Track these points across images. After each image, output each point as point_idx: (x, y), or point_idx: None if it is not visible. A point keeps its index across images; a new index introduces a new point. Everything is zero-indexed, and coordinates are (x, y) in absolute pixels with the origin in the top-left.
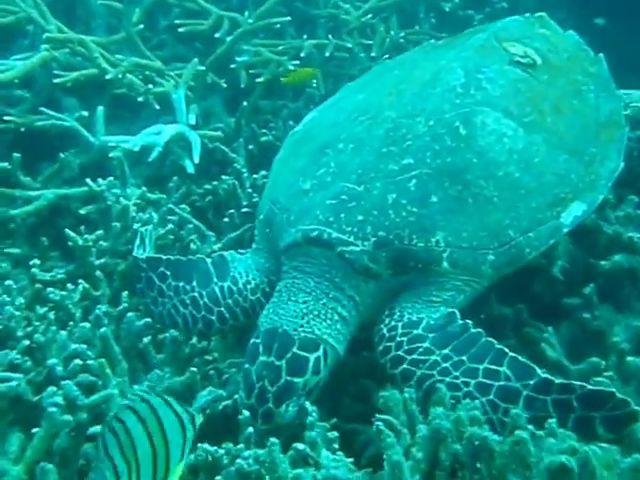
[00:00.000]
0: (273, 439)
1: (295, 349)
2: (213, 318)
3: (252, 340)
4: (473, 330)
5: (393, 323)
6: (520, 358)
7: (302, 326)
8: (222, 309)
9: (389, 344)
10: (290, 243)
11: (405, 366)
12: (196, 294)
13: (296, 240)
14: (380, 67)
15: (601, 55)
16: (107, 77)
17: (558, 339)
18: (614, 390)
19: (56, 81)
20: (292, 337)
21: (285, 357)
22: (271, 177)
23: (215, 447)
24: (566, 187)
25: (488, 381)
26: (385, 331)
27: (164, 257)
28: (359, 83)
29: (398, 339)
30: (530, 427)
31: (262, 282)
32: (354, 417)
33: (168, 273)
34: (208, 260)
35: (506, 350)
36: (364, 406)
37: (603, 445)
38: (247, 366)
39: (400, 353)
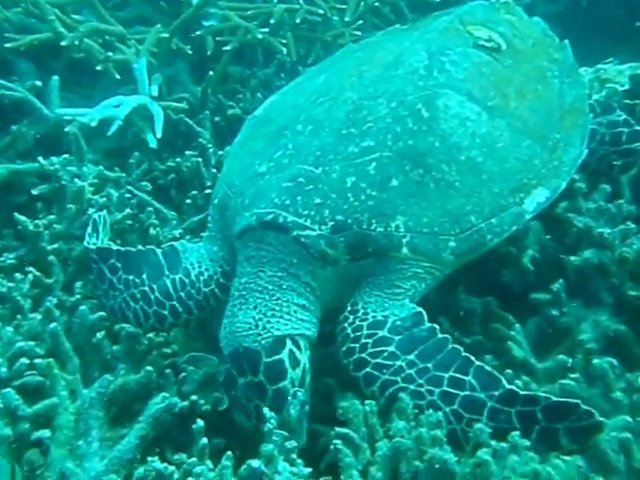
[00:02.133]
0: (226, 462)
1: (265, 359)
2: (165, 313)
3: (225, 367)
4: (440, 335)
5: (358, 322)
6: (486, 367)
7: (260, 335)
8: (174, 303)
9: (353, 345)
10: (244, 228)
11: (368, 370)
12: (146, 288)
13: (250, 224)
14: (344, 50)
15: (566, 41)
16: (63, 44)
17: (526, 334)
18: (579, 402)
19: (8, 45)
20: (256, 350)
21: (260, 371)
22: (227, 161)
23: (165, 464)
24: (529, 173)
25: (453, 390)
26: (350, 331)
27: (114, 248)
28: (322, 66)
29: (363, 341)
30: (493, 443)
31: (216, 273)
32: (317, 417)
33: (119, 265)
34: (158, 251)
35: (472, 359)
36: (327, 405)
37: (566, 458)
38: (231, 393)
39: (364, 356)
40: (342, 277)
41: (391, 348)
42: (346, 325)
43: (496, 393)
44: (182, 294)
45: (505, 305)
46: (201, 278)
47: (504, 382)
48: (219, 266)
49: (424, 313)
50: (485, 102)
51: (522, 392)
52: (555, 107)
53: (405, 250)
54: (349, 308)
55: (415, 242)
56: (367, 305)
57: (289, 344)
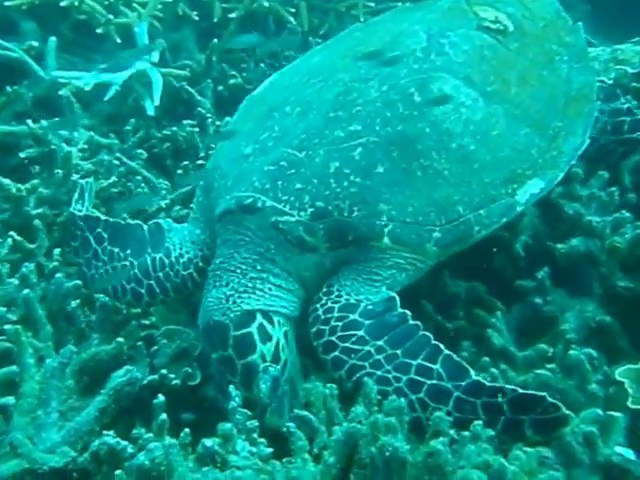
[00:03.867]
0: (172, 440)
1: (232, 332)
2: (142, 291)
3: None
4: (411, 322)
5: (330, 304)
6: (454, 357)
7: (229, 308)
8: (152, 282)
9: (323, 327)
10: (223, 211)
11: (336, 354)
12: (128, 263)
13: (229, 207)
14: (348, 30)
15: (580, 24)
16: (62, 4)
17: (509, 322)
18: (545, 394)
19: (8, 4)
20: (224, 323)
21: (229, 345)
22: (219, 143)
23: (117, 439)
24: (524, 163)
25: (420, 378)
26: (320, 312)
27: (103, 217)
28: (323, 45)
29: (333, 323)
30: (452, 432)
31: (196, 256)
32: None
33: (105, 236)
34: (145, 227)
35: (441, 347)
36: None
37: (528, 449)
38: (211, 369)
39: (333, 339)
40: (321, 266)
41: (361, 332)
42: (318, 306)
43: (462, 383)
44: (160, 274)
45: (495, 290)
46: (180, 260)
47: (471, 373)
48: (199, 249)
49: (397, 298)
50: (483, 87)
51: (488, 384)
52: (560, 94)
53: (386, 240)
54: (324, 289)
55: (397, 232)
56: (342, 288)
57: (259, 318)
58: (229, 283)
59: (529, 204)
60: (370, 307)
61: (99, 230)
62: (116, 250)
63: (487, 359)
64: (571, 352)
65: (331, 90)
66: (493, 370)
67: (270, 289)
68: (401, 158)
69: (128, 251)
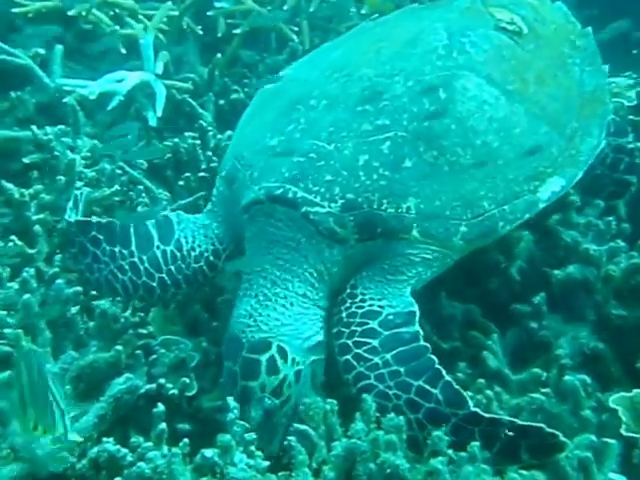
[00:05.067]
0: (175, 449)
1: (244, 353)
2: (154, 285)
3: None
4: (422, 343)
5: (353, 309)
6: (454, 385)
7: (249, 326)
8: (164, 275)
9: (343, 330)
10: (251, 201)
11: (348, 357)
12: (136, 259)
13: (258, 198)
14: (360, 27)
15: (589, 29)
16: (70, 13)
17: (504, 345)
18: (543, 426)
19: (15, 10)
20: (240, 340)
21: (238, 362)
22: (236, 133)
23: (117, 446)
24: (546, 161)
25: (419, 400)
26: (344, 315)
27: (94, 220)
28: (336, 42)
29: (352, 328)
30: (450, 452)
31: (207, 250)
32: None
33: (101, 237)
34: (149, 223)
35: (443, 372)
36: None
37: (524, 473)
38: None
39: (349, 342)
40: (349, 259)
41: (375, 342)
42: (342, 309)
43: (460, 412)
44: (172, 267)
45: (490, 313)
46: (192, 254)
47: (469, 404)
48: (212, 244)
49: (417, 314)
50: (504, 86)
51: (487, 416)
52: (574, 95)
53: (415, 232)
54: (348, 291)
55: (426, 225)
56: (366, 291)
57: (273, 350)
58: (257, 295)
59: (551, 201)
60: (391, 317)
61: (93, 233)
62: (117, 249)
63: (482, 381)
64: (566, 378)
65: (356, 85)
66: (488, 392)
67: (292, 304)
68: (428, 153)
69: (132, 247)
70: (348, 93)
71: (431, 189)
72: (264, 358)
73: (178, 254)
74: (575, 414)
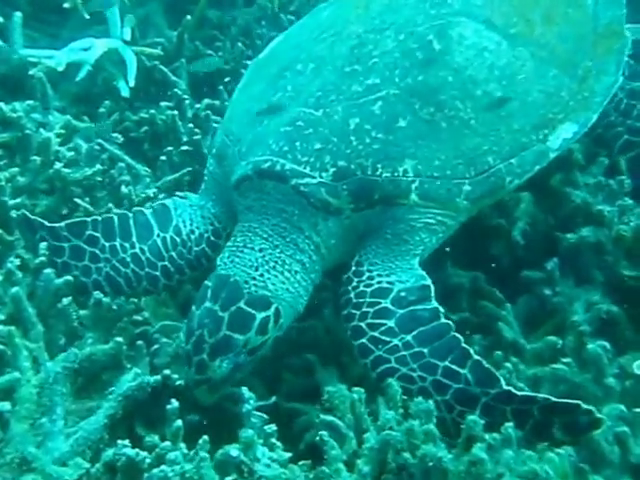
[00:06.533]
0: (203, 453)
1: (242, 304)
2: (157, 274)
3: (205, 282)
4: (443, 320)
5: (362, 288)
6: (484, 363)
7: (255, 279)
8: (166, 263)
9: (354, 312)
10: (240, 177)
11: (364, 341)
12: (137, 250)
13: (247, 173)
14: None
15: None
16: None
17: (515, 313)
18: (579, 402)
19: None
20: (241, 289)
21: (229, 309)
22: (228, 108)
23: (136, 450)
24: (555, 106)
25: (446, 381)
26: (352, 295)
27: (89, 219)
28: (328, 2)
29: (364, 309)
30: (487, 437)
31: (207, 231)
32: (295, 394)
33: (98, 235)
34: (147, 211)
35: (471, 352)
36: (306, 381)
37: (560, 451)
38: (193, 308)
39: (362, 325)
40: (347, 230)
41: (390, 323)
42: (349, 288)
43: (492, 391)
44: (173, 254)
45: (492, 279)
46: (192, 237)
47: (502, 382)
48: (210, 223)
49: (431, 287)
50: (506, 30)
51: (520, 394)
52: (587, 31)
53: (414, 196)
54: (353, 268)
55: (425, 187)
56: (372, 267)
57: (271, 311)
58: (262, 250)
59: (562, 149)
60: (403, 294)
61: (89, 232)
62: (117, 243)
63: (500, 353)
64: (589, 346)
65: (345, 43)
66: (507, 365)
67: (296, 272)
68: (424, 110)
69: (134, 239)
70: (336, 54)
71: (429, 148)
72: (260, 316)
73: (178, 239)
74: (598, 382)
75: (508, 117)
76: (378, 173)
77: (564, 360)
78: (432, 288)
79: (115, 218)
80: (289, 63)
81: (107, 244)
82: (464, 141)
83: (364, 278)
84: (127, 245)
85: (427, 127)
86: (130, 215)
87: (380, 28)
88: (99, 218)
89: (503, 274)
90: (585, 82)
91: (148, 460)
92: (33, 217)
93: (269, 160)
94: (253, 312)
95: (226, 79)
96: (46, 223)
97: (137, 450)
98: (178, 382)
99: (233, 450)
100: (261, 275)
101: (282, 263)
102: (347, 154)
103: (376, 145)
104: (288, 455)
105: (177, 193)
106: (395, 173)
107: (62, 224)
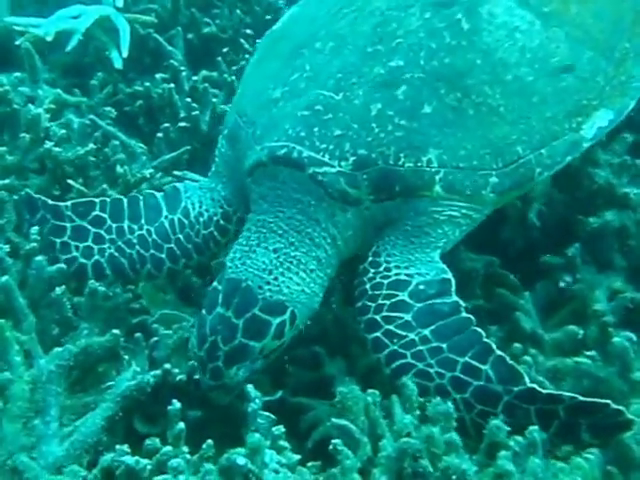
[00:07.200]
0: (209, 465)
1: (256, 310)
2: (163, 256)
3: (214, 283)
4: (463, 315)
5: (378, 279)
6: (507, 359)
7: (269, 283)
8: (172, 246)
9: (369, 304)
10: (254, 163)
11: (378, 335)
12: (144, 232)
13: (261, 160)
14: None
15: None
16: None
17: (533, 301)
18: (609, 402)
19: None
20: (255, 296)
21: (244, 316)
22: (241, 84)
23: (136, 457)
24: (590, 92)
25: (466, 378)
26: (368, 287)
27: (97, 200)
28: None
29: (380, 301)
30: (512, 443)
31: (216, 214)
32: (301, 389)
33: (105, 216)
34: (158, 194)
35: (493, 347)
36: (313, 375)
37: (589, 456)
38: (204, 312)
39: (377, 318)
40: (365, 221)
41: (407, 316)
42: (365, 279)
43: (515, 389)
44: (181, 236)
45: (506, 264)
46: (200, 219)
47: (525, 379)
48: (220, 207)
49: (452, 281)
50: (540, 8)
51: (544, 391)
52: (627, 8)
53: (438, 188)
54: (370, 259)
55: (450, 179)
56: (390, 258)
57: (286, 315)
58: (277, 250)
59: (597, 139)
60: (422, 287)
61: (95, 213)
62: (126, 224)
63: (519, 345)
64: (615, 339)
65: (367, 21)
66: (527, 358)
67: (312, 270)
68: (450, 95)
69: (142, 221)
70: (358, 32)
71: (455, 137)
72: (276, 322)
73: (186, 221)
74: (624, 377)
75: (540, 104)
76: (400, 163)
77: (588, 353)
78: (453, 282)
79: (124, 200)
80: (307, 40)
81: (114, 225)
82: (492, 129)
83: (381, 269)
84: (135, 227)
85: (453, 114)
86: (141, 197)
87: (405, 5)
88: (107, 199)
89: (513, 259)
90: (622, 65)
91: (149, 467)
92: (37, 195)
93: (285, 146)
94: (269, 318)
95: (224, 49)
96: (49, 201)
97: (137, 458)
98: (179, 377)
99: (240, 458)
100: (275, 279)
101: (297, 263)
102: (368, 142)
103: (399, 132)
104: (297, 457)
105: (186, 173)
106: (418, 163)
107: (68, 203)
